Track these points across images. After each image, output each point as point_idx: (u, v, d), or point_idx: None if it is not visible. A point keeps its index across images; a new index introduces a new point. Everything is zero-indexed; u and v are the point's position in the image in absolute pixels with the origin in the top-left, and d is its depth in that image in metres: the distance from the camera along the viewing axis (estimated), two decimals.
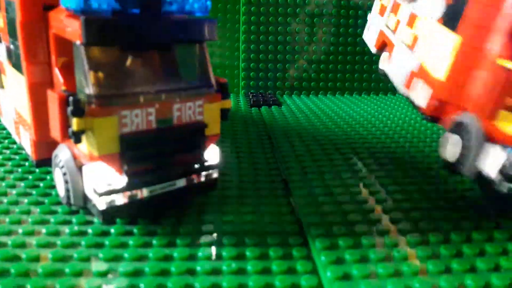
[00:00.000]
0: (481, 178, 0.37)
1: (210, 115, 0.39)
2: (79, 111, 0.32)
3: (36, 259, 0.33)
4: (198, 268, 0.32)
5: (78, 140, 0.33)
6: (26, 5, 0.37)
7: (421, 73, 0.47)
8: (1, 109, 0.53)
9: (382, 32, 0.63)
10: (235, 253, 0.34)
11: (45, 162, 0.42)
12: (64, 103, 0.33)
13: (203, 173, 0.40)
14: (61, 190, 0.39)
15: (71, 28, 0.33)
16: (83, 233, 0.36)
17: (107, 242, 0.35)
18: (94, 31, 0.32)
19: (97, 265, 0.32)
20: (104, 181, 0.34)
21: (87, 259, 0.33)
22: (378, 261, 0.34)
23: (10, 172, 0.47)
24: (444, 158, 0.42)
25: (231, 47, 0.92)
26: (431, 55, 0.45)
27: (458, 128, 0.39)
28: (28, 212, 0.39)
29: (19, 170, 0.47)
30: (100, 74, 0.34)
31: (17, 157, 0.51)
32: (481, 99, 0.37)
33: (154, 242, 0.35)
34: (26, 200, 0.41)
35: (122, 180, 0.35)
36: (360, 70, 0.95)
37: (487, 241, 0.37)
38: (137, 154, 0.35)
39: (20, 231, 0.36)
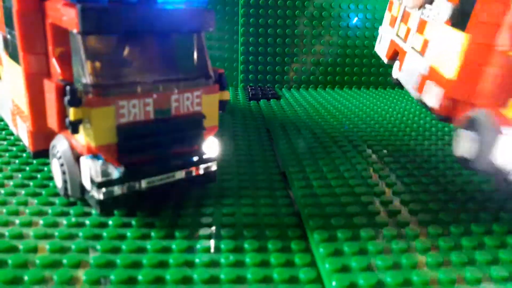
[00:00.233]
0: (496, 172, 0.37)
1: (209, 107, 0.39)
2: (76, 101, 0.32)
3: (34, 250, 0.33)
4: (197, 260, 0.32)
5: (75, 131, 0.33)
6: None
7: (432, 75, 0.48)
8: None
9: (393, 42, 0.65)
10: (233, 246, 0.34)
11: (42, 153, 0.42)
12: (61, 92, 0.33)
13: (202, 165, 0.39)
14: (58, 181, 0.39)
15: (67, 17, 0.33)
16: (80, 225, 0.36)
17: (105, 234, 0.35)
18: (91, 19, 0.31)
19: (96, 257, 0.32)
20: (102, 172, 0.34)
21: (85, 250, 0.33)
22: (377, 253, 0.34)
23: (7, 163, 0.47)
24: (459, 155, 0.42)
25: (230, 39, 0.92)
26: (442, 56, 0.46)
27: (472, 124, 0.40)
28: (25, 203, 0.39)
29: (16, 161, 0.47)
30: (97, 64, 0.34)
31: (14, 148, 0.51)
32: (493, 93, 0.38)
33: (152, 234, 0.35)
34: (23, 192, 0.41)
35: (119, 171, 0.35)
36: (359, 63, 0.94)
37: (486, 233, 0.37)
38: (135, 144, 0.35)
39: (17, 222, 0.36)
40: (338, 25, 0.92)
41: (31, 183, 0.42)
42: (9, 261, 0.31)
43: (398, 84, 0.65)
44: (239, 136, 0.60)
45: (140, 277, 0.30)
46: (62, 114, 0.34)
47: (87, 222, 0.36)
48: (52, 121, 0.35)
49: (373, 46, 0.85)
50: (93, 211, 0.38)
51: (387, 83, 0.96)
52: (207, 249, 0.34)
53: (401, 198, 0.43)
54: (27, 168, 0.45)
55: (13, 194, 0.40)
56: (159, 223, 0.37)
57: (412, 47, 0.56)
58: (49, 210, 0.38)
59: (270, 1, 0.90)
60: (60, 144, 0.37)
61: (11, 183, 0.42)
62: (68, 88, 0.32)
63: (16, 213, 0.37)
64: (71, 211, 0.38)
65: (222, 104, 0.40)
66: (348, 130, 0.64)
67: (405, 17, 0.62)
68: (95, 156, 0.34)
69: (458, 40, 0.42)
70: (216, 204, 0.41)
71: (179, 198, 0.41)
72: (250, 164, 0.50)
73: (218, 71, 0.40)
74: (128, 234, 0.35)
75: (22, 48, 0.38)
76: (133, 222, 0.37)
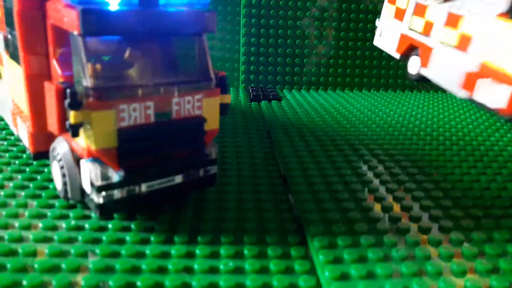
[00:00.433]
0: None
1: (210, 110, 0.38)
2: (76, 104, 0.32)
3: (33, 254, 0.32)
4: (196, 266, 0.32)
5: (75, 134, 0.33)
6: None
7: (486, 73, 0.46)
8: None
9: (405, 36, 0.63)
10: (233, 252, 0.34)
11: (42, 154, 0.41)
12: (61, 95, 0.33)
13: (202, 169, 0.39)
14: (58, 183, 0.38)
15: (68, 18, 0.33)
16: (80, 228, 0.36)
17: (104, 238, 0.35)
18: (91, 21, 0.31)
19: (95, 262, 0.32)
20: (102, 175, 0.34)
21: (84, 255, 0.33)
22: (377, 261, 0.34)
23: (7, 164, 0.47)
24: None
25: (232, 40, 0.91)
26: (500, 52, 0.44)
27: None
28: (25, 206, 0.39)
29: (17, 162, 0.47)
30: (98, 66, 0.34)
31: (14, 148, 0.51)
32: None
33: (152, 238, 0.35)
34: (23, 193, 0.41)
35: (119, 175, 0.34)
36: (361, 65, 0.94)
37: (487, 241, 0.37)
38: (135, 148, 0.35)
39: (16, 224, 0.36)
40: (340, 26, 0.92)
41: (31, 185, 0.42)
42: (8, 265, 0.31)
43: (417, 81, 0.62)
44: (240, 138, 0.60)
45: (139, 283, 0.30)
46: (62, 117, 0.34)
47: (87, 225, 0.36)
48: (52, 123, 0.35)
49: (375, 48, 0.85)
50: (93, 214, 0.38)
51: (388, 85, 0.96)
52: (207, 255, 0.34)
53: (402, 204, 0.43)
54: (27, 169, 0.45)
55: (13, 196, 0.40)
56: (158, 227, 0.37)
57: (442, 42, 0.54)
58: (49, 212, 0.38)
59: (272, 2, 0.89)
60: (61, 147, 0.37)
61: (11, 184, 0.42)
62: (68, 91, 0.32)
63: (16, 216, 0.37)
64: (71, 214, 0.38)
65: (223, 108, 0.40)
66: (349, 132, 0.64)
67: (419, 10, 0.60)
68: (95, 159, 0.34)
69: None
70: (216, 208, 0.40)
71: (179, 202, 0.41)
72: (250, 167, 0.50)
73: (220, 74, 0.39)
74: (128, 238, 0.35)
75: (23, 48, 0.38)
76: (133, 226, 0.37)
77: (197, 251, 0.34)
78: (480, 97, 0.47)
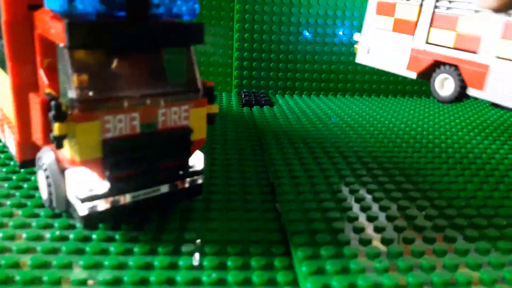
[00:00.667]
0: None
1: (196, 120, 0.39)
2: (61, 116, 0.32)
3: (15, 265, 0.33)
4: (178, 278, 0.32)
5: (60, 146, 0.33)
6: (10, 4, 0.37)
7: None
8: None
9: (423, 52, 0.56)
10: (217, 263, 0.34)
11: (29, 163, 0.41)
12: (46, 107, 0.33)
13: (188, 179, 0.39)
14: (44, 193, 0.39)
15: (55, 30, 0.33)
16: (64, 238, 0.36)
17: (88, 249, 0.35)
18: (78, 34, 0.31)
19: (77, 273, 0.32)
20: (86, 187, 0.34)
21: (67, 266, 0.33)
22: (359, 272, 0.34)
23: None
24: None
25: (225, 45, 0.92)
26: None
27: None
28: (10, 215, 0.39)
29: (4, 169, 0.47)
30: (84, 78, 0.34)
31: (2, 155, 0.51)
32: None
33: (136, 249, 0.35)
34: (8, 202, 0.41)
35: (104, 186, 0.34)
36: (353, 71, 0.95)
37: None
38: (120, 159, 0.35)
39: (0, 235, 0.36)
40: (333, 32, 0.92)
41: (17, 193, 0.42)
42: None
43: (444, 103, 0.56)
44: (230, 144, 0.60)
45: None
46: (47, 128, 0.34)
47: (71, 235, 0.36)
48: (36, 134, 0.35)
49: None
50: (78, 224, 0.38)
51: (380, 91, 0.97)
52: (190, 266, 0.34)
53: (387, 214, 0.43)
54: (14, 177, 0.45)
55: None
56: (143, 238, 0.37)
57: (501, 57, 0.48)
58: (34, 222, 0.38)
59: (265, 7, 0.90)
60: (46, 156, 0.37)
61: None
62: (53, 103, 0.32)
63: (1, 226, 0.37)
64: (56, 224, 0.38)
65: (211, 117, 0.40)
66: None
67: (443, 21, 0.54)
68: (80, 170, 0.34)
69: None
70: (202, 218, 0.41)
71: (165, 212, 0.41)
72: (239, 175, 0.50)
73: (207, 84, 0.39)
74: (112, 249, 0.35)
75: (10, 58, 0.38)
76: (117, 237, 0.37)
77: (180, 262, 0.34)
78: None
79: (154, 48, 0.37)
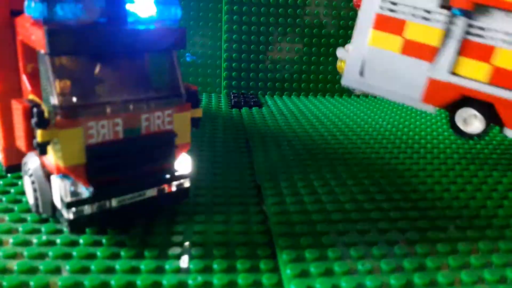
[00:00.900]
0: None
1: (180, 124, 0.39)
2: (43, 123, 0.32)
3: (3, 270, 0.33)
4: (165, 282, 0.32)
5: (43, 152, 0.33)
6: None
7: None
8: None
9: (446, 84, 0.47)
10: (202, 266, 0.35)
11: (16, 167, 0.42)
12: (28, 114, 0.33)
13: (174, 182, 0.40)
14: (30, 198, 0.39)
15: (35, 37, 0.33)
16: (51, 243, 0.36)
17: (75, 253, 0.35)
18: (58, 41, 0.32)
19: (63, 278, 0.32)
20: (71, 192, 0.34)
21: (53, 271, 0.33)
22: (343, 274, 0.35)
23: None
24: None
25: (214, 46, 0.92)
26: None
27: None
28: None
29: None
30: (66, 84, 0.34)
31: None
32: None
33: (122, 253, 0.35)
34: None
35: (89, 191, 0.35)
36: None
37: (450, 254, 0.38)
38: (104, 164, 0.35)
39: None
40: (320, 33, 0.93)
41: (4, 198, 0.42)
42: None
43: (465, 137, 0.49)
44: (218, 147, 0.61)
45: None
46: (30, 135, 0.34)
47: (58, 240, 0.37)
48: (20, 141, 0.35)
49: None
50: (65, 229, 0.38)
51: None
52: (176, 270, 0.34)
53: (370, 216, 0.44)
54: (1, 182, 0.45)
55: None
56: (129, 242, 0.37)
57: None
58: (20, 227, 0.38)
59: (253, 8, 0.90)
60: (32, 162, 0.37)
61: None
62: (35, 110, 0.32)
63: None
64: (43, 229, 0.38)
65: (195, 121, 0.40)
66: (325, 141, 0.65)
67: (477, 51, 0.45)
68: (64, 175, 0.34)
69: None
70: (188, 221, 0.41)
71: (151, 216, 0.41)
72: (226, 178, 0.51)
73: (191, 88, 0.40)
74: (98, 253, 0.35)
75: None
76: (104, 241, 0.37)
77: (167, 266, 0.34)
78: None
79: (135, 53, 0.37)
